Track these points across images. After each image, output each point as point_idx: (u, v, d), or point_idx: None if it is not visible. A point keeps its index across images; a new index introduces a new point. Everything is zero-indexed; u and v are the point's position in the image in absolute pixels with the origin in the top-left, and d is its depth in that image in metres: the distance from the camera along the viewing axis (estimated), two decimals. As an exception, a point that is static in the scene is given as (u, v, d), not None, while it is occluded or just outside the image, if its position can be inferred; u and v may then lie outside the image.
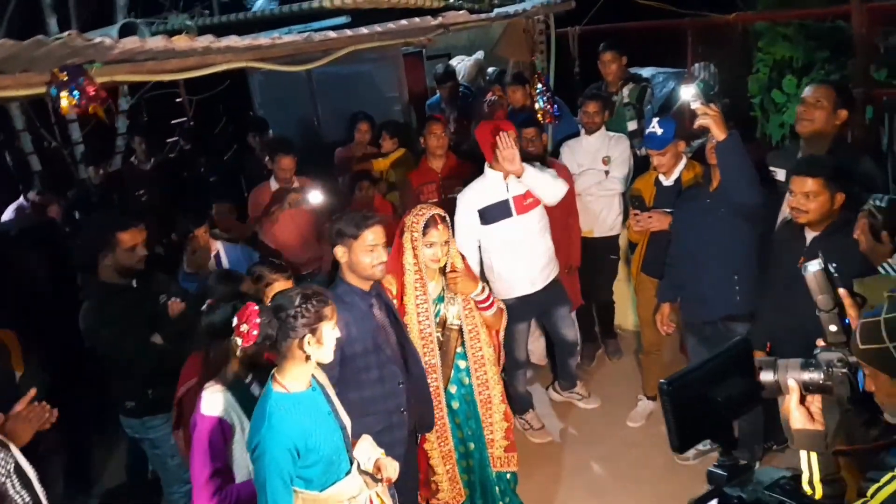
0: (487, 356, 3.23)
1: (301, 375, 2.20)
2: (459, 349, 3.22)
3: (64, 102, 2.56)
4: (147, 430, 3.41)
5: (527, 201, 3.84)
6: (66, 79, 2.52)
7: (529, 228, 3.89)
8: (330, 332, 2.18)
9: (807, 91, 3.36)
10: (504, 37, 5.19)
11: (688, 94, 3.24)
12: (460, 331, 3.19)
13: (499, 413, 3.26)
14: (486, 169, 3.88)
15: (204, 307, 2.45)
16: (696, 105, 3.11)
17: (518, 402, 4.25)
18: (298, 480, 2.16)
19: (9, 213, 5.55)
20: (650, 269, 4.06)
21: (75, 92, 2.55)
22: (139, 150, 5.98)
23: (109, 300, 3.32)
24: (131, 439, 3.68)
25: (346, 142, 5.74)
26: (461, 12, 3.69)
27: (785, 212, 3.23)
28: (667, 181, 3.92)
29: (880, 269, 2.41)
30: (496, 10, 4.29)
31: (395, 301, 3.08)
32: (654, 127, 3.74)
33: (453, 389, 3.23)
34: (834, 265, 2.64)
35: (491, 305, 3.20)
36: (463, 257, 3.28)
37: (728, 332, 3.48)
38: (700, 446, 3.96)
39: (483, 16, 4.05)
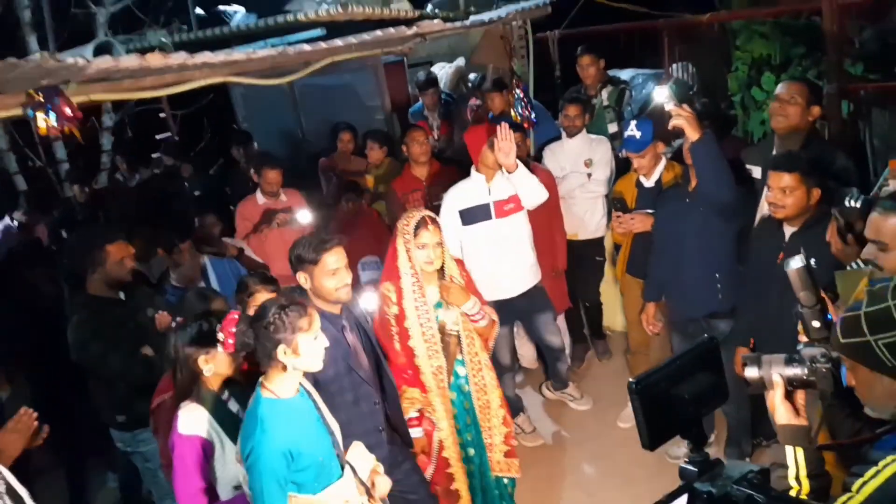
0: (484, 361, 3.23)
1: (287, 382, 2.21)
2: (459, 356, 3.22)
3: (41, 123, 2.58)
4: (138, 443, 3.40)
5: (507, 206, 3.87)
6: (41, 99, 2.54)
7: (508, 233, 3.91)
8: (309, 342, 2.18)
9: (780, 88, 3.39)
10: (482, 43, 5.22)
11: (661, 95, 3.27)
12: (459, 337, 3.19)
13: (497, 417, 3.26)
14: (472, 171, 3.92)
15: (173, 326, 2.45)
16: (669, 106, 3.14)
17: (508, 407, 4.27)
18: (291, 485, 2.16)
19: (-6, 234, 5.54)
20: (635, 269, 4.08)
21: (51, 113, 2.57)
22: (122, 167, 5.99)
23: (99, 313, 3.31)
24: (123, 455, 3.67)
25: (330, 151, 5.75)
26: (436, 21, 3.72)
27: (763, 208, 3.26)
28: (647, 182, 3.95)
29: (848, 267, 2.45)
30: (471, 18, 4.32)
31: (395, 307, 3.08)
32: (633, 130, 3.77)
33: (453, 396, 3.22)
34: (812, 259, 2.68)
35: (482, 318, 3.20)
36: (463, 268, 3.28)
37: (711, 329, 3.52)
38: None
39: (458, 24, 4.08)
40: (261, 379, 2.22)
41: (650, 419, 1.41)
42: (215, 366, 2.37)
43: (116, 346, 3.24)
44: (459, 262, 3.31)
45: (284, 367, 2.17)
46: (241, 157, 5.93)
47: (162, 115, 7.66)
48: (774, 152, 3.35)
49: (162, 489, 3.46)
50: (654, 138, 3.78)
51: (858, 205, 2.69)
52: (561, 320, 4.68)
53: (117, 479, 4.20)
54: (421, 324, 3.09)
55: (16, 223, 5.57)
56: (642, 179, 3.96)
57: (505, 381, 4.20)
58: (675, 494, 1.34)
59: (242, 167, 5.82)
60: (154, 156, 7.03)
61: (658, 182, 3.92)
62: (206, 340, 2.33)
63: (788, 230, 3.01)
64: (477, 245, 3.91)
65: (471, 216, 3.88)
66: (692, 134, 3.12)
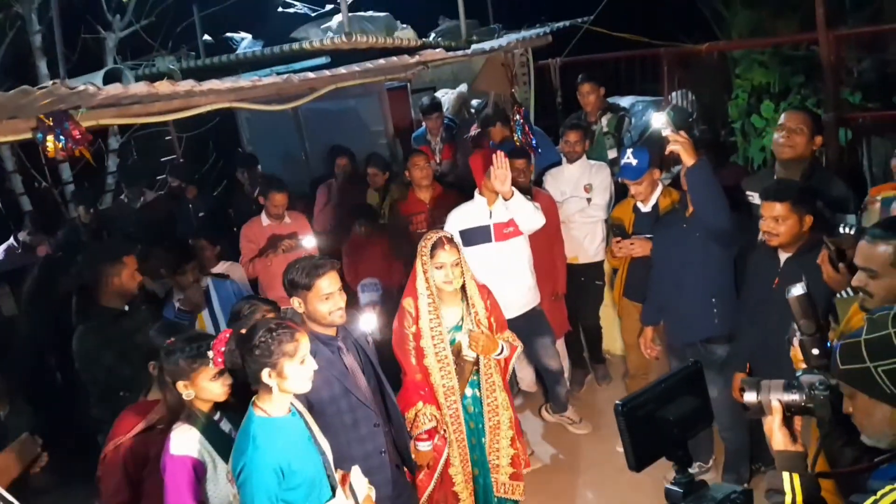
0: (498, 382, 3.27)
1: (278, 402, 2.23)
2: (474, 377, 3.26)
3: (50, 146, 2.64)
4: None
5: (507, 230, 3.91)
6: (51, 124, 2.60)
7: (507, 256, 3.96)
8: (295, 368, 2.20)
9: (785, 118, 3.42)
10: (483, 71, 5.30)
11: (659, 121, 3.33)
12: (475, 362, 3.23)
13: (506, 439, 3.28)
14: (476, 194, 3.99)
15: (163, 351, 2.43)
16: (666, 132, 3.19)
17: None
18: (282, 503, 2.17)
19: (-1, 254, 5.59)
20: (632, 293, 4.11)
21: (61, 137, 2.63)
22: (126, 190, 6.06)
23: (109, 324, 3.37)
24: None
25: (328, 177, 5.81)
26: (438, 50, 3.79)
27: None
28: (644, 208, 4.00)
29: (838, 295, 2.48)
30: (473, 47, 4.40)
31: (414, 326, 3.13)
32: (629, 158, 3.83)
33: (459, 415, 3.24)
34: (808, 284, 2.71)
35: (504, 351, 3.24)
36: (487, 294, 3.29)
37: (709, 353, 3.53)
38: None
39: (460, 53, 4.15)
40: (254, 398, 2.24)
41: (636, 441, 1.43)
42: (196, 391, 2.37)
43: (125, 356, 3.28)
44: (483, 288, 3.31)
45: (271, 389, 2.19)
46: (246, 180, 6.00)
47: (168, 137, 7.74)
48: (776, 179, 3.39)
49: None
50: (650, 165, 3.84)
51: (852, 232, 2.74)
52: (560, 344, 4.69)
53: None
54: (434, 344, 3.14)
55: (19, 244, 5.62)
56: (639, 205, 4.01)
57: None
58: None
59: (246, 190, 5.88)
60: (159, 178, 7.11)
61: (655, 207, 3.97)
62: (186, 366, 2.34)
63: (783, 256, 3.04)
64: (476, 266, 3.93)
65: (471, 237, 3.93)
66: (688, 159, 3.17)
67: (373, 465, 2.68)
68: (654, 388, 1.52)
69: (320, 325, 2.70)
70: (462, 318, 3.21)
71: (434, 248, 3.09)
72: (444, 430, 3.18)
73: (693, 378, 1.57)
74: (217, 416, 2.45)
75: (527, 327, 4.09)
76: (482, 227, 3.93)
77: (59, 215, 6.83)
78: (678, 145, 3.14)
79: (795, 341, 1.98)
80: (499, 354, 3.20)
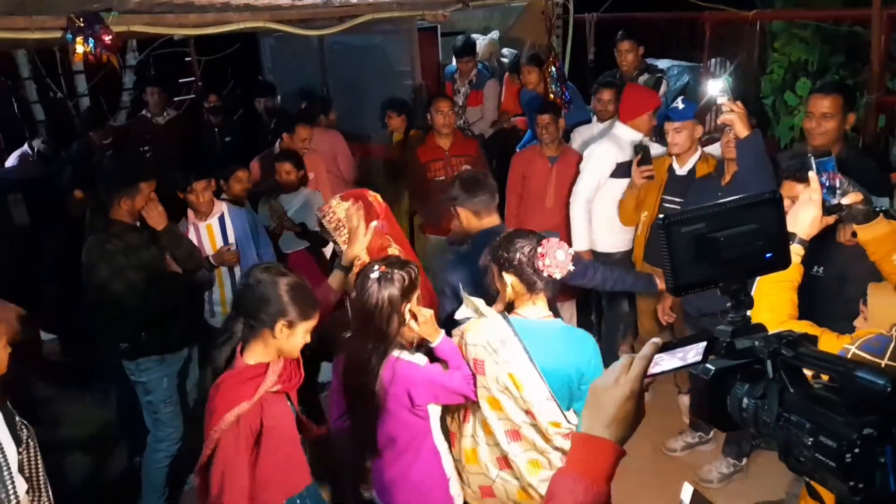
0: None
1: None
2: None
3: (79, 49, 2.55)
4: (141, 372, 3.40)
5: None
6: (82, 25, 2.51)
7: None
8: None
9: (814, 103, 3.24)
10: (522, 17, 5.14)
11: (715, 88, 3.24)
12: None
13: None
14: (618, 125, 4.06)
15: (375, 274, 2.32)
16: (722, 100, 3.10)
17: None
18: None
19: (13, 160, 5.52)
20: (653, 257, 4.05)
21: (90, 39, 2.53)
22: (152, 101, 5.86)
23: (113, 237, 3.30)
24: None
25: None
26: (482, -12, 3.65)
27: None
28: (680, 170, 3.88)
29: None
30: (516, -12, 4.25)
31: None
32: (678, 103, 3.78)
33: None
34: (821, 268, 2.67)
35: None
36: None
37: (726, 324, 3.49)
38: (689, 439, 3.98)
39: (503, -7, 4.01)
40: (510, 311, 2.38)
41: (678, 259, 1.13)
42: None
43: (122, 272, 3.24)
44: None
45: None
46: (263, 110, 5.88)
47: (187, 59, 7.57)
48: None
49: (162, 426, 3.48)
50: (694, 118, 3.78)
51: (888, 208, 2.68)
52: (571, 305, 4.65)
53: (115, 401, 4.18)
54: None
55: (34, 151, 5.54)
56: (675, 167, 3.91)
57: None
58: (693, 339, 1.12)
59: (264, 120, 5.77)
60: (177, 98, 6.97)
61: (692, 172, 3.84)
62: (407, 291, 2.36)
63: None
64: (613, 197, 4.10)
65: (624, 170, 4.05)
66: (742, 130, 3.05)
67: None
68: (713, 208, 1.15)
69: None
70: None
71: None
72: None
73: (770, 206, 1.17)
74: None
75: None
76: (629, 162, 4.01)
77: (73, 127, 6.73)
78: (733, 115, 3.04)
79: None
80: None
